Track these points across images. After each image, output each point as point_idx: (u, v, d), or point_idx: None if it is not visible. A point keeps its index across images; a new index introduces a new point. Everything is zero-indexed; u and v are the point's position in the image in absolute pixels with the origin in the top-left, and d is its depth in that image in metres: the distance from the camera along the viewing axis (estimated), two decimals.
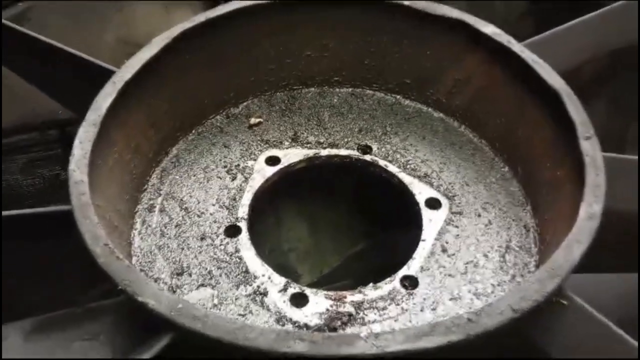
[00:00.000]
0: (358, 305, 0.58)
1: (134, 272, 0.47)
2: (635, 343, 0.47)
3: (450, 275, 0.61)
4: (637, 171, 0.60)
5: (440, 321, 0.44)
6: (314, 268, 0.91)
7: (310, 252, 0.91)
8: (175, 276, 0.60)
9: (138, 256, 0.62)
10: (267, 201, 0.72)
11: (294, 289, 0.59)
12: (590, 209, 0.51)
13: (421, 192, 0.69)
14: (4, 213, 0.62)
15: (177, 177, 0.69)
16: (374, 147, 0.73)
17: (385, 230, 0.83)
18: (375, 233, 0.85)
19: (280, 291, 0.59)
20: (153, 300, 0.45)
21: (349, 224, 0.88)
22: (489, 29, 0.68)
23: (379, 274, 0.62)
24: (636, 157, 0.62)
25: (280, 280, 0.60)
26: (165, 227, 0.64)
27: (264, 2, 0.72)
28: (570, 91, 0.61)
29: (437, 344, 0.43)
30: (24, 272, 0.79)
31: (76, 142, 0.56)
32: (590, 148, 0.56)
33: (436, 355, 0.44)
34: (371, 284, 0.60)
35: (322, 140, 0.74)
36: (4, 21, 0.74)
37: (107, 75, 0.65)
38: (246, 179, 0.69)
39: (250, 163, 0.71)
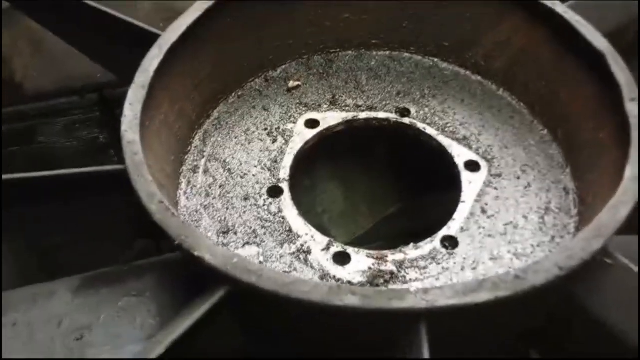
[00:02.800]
0: (399, 264, 0.60)
1: (189, 227, 0.48)
2: None
3: (490, 235, 0.62)
4: None
5: (488, 277, 0.45)
6: (347, 230, 0.93)
7: (344, 215, 0.93)
8: (221, 234, 0.62)
9: (185, 215, 0.64)
10: (307, 163, 0.73)
11: (336, 247, 0.61)
12: (636, 170, 0.51)
13: (460, 154, 0.69)
14: (51, 172, 0.64)
15: (219, 139, 0.71)
16: (412, 110, 0.74)
17: (420, 194, 0.84)
18: (411, 196, 0.86)
19: (323, 250, 0.61)
20: (209, 255, 0.46)
21: (384, 188, 0.89)
22: None
23: (411, 237, 0.63)
24: None
25: (323, 240, 0.62)
26: (210, 188, 0.66)
27: None
28: (615, 52, 0.60)
29: (485, 300, 0.44)
30: (67, 231, 0.82)
31: (126, 104, 0.58)
32: (635, 110, 0.56)
33: (487, 312, 0.45)
34: (412, 244, 0.61)
35: (360, 104, 0.75)
36: None
37: (150, 38, 0.65)
38: (286, 141, 0.71)
39: (290, 126, 0.72)
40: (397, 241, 0.64)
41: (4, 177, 0.60)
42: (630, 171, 0.51)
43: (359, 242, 0.89)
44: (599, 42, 0.62)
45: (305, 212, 0.88)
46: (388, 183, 0.86)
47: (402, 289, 0.44)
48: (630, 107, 0.56)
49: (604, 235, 0.47)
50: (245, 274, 0.45)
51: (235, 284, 0.46)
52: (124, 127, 0.56)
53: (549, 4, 0.66)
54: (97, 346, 0.56)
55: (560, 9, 0.65)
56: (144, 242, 1.05)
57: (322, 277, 0.59)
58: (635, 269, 0.49)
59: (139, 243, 1.07)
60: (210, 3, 0.67)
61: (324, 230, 0.89)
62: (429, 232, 0.63)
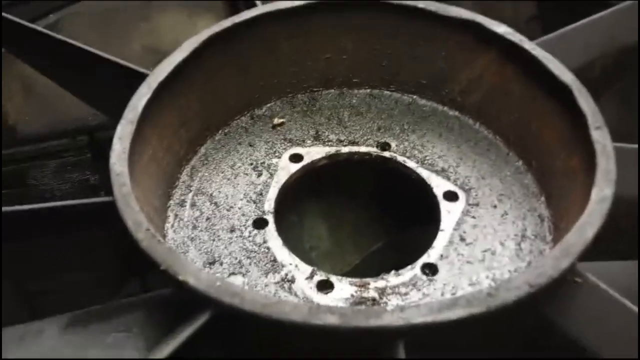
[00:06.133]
0: (381, 291, 0.61)
1: (174, 253, 0.50)
2: None
3: (468, 262, 0.64)
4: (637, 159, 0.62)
5: (462, 295, 0.46)
6: (334, 266, 0.94)
7: (331, 251, 0.94)
8: (207, 265, 0.64)
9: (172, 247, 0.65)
10: (291, 196, 0.75)
11: (319, 276, 0.63)
12: (602, 193, 0.54)
13: (439, 185, 0.72)
14: (43, 205, 0.65)
15: (206, 174, 0.73)
16: (393, 144, 0.77)
17: (405, 227, 0.86)
18: (395, 230, 0.88)
19: (306, 278, 0.62)
20: (193, 279, 0.48)
21: (368, 222, 0.91)
22: (501, 28, 0.71)
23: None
24: (636, 146, 0.64)
25: (307, 269, 0.63)
26: (197, 221, 0.68)
27: (284, 7, 0.76)
28: (581, 85, 0.64)
29: (458, 316, 0.46)
30: (55, 270, 0.83)
31: (115, 138, 0.60)
32: (600, 137, 0.59)
33: (461, 329, 0.47)
34: (393, 271, 0.63)
35: (342, 139, 0.78)
36: (40, 28, 0.78)
37: (139, 78, 0.68)
38: (271, 175, 0.73)
39: (274, 160, 0.75)
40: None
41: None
42: (596, 194, 0.54)
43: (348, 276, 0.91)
44: (565, 75, 0.65)
45: (293, 248, 0.90)
46: (372, 216, 0.88)
47: (380, 308, 0.46)
48: (596, 135, 0.59)
49: (572, 254, 0.50)
50: (228, 296, 0.47)
51: (218, 306, 0.47)
52: (112, 159, 0.58)
53: (517, 41, 0.70)
54: None
55: (528, 45, 0.69)
56: (132, 285, 1.06)
57: None
58: (604, 286, 0.51)
59: (127, 287, 1.08)
60: (197, 44, 0.70)
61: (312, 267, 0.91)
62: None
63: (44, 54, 0.79)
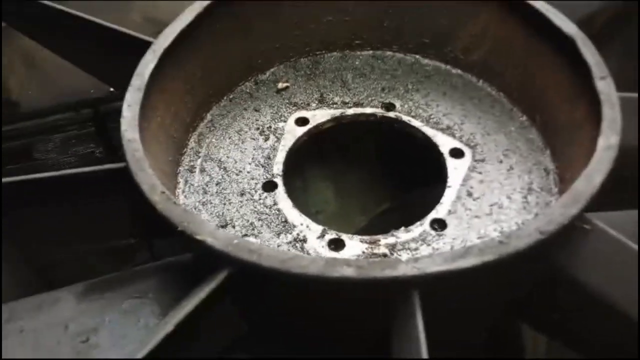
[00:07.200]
0: (392, 247, 0.62)
1: (190, 214, 0.51)
2: None
3: (476, 216, 0.65)
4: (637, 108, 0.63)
5: (474, 244, 0.48)
6: (342, 229, 0.95)
7: (338, 213, 0.95)
8: (220, 229, 0.65)
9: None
10: (298, 159, 0.76)
11: (330, 235, 0.64)
12: (608, 141, 0.55)
13: (444, 143, 0.72)
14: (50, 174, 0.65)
15: (214, 140, 0.74)
16: (397, 105, 0.77)
17: (411, 187, 0.87)
18: (401, 190, 0.89)
19: (318, 237, 0.63)
20: (211, 238, 0.49)
21: (375, 183, 0.91)
22: None
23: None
24: (636, 95, 0.65)
25: (318, 228, 0.64)
26: (207, 186, 0.69)
27: None
28: (584, 36, 0.64)
29: (472, 265, 0.47)
30: (65, 238, 0.83)
31: (125, 106, 0.60)
32: (605, 87, 0.59)
33: (476, 278, 0.48)
34: (403, 228, 0.64)
35: (347, 101, 0.78)
36: (44, 1, 0.78)
37: (143, 46, 0.68)
38: (278, 139, 0.74)
39: (280, 124, 0.75)
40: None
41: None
42: (602, 142, 0.55)
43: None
44: (568, 27, 0.66)
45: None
46: (378, 177, 0.89)
47: (395, 259, 0.47)
48: (601, 85, 0.60)
49: (581, 201, 0.50)
50: (247, 253, 0.48)
51: (237, 264, 0.48)
52: (123, 126, 0.58)
53: None
54: (102, 347, 0.58)
55: None
56: (143, 256, 1.07)
57: None
58: (612, 232, 0.52)
59: (137, 257, 1.09)
60: (200, 10, 0.70)
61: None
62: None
63: (44, 25, 0.79)
